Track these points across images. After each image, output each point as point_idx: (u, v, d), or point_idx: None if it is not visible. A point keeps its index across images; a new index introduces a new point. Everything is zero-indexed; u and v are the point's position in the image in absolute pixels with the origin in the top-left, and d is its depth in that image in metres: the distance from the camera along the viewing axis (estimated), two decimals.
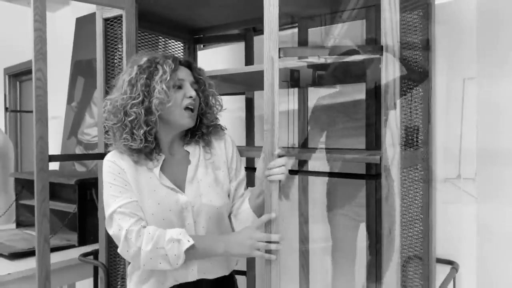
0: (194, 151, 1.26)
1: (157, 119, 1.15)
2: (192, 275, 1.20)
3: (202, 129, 1.27)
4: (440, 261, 1.53)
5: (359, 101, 1.77)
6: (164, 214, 1.16)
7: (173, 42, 1.98)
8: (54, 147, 3.13)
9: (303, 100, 1.80)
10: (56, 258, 1.85)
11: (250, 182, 1.50)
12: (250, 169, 1.71)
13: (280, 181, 1.11)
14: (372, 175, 1.55)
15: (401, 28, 1.11)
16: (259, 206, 1.20)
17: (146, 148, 1.16)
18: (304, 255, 1.85)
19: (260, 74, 1.45)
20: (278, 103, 1.10)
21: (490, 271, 1.52)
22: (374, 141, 1.62)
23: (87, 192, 2.14)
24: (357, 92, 1.78)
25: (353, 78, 1.53)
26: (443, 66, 1.58)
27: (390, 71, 1.06)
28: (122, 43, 1.60)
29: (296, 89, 1.84)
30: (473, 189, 1.55)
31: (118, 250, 1.14)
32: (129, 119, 1.13)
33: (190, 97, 1.18)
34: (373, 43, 1.60)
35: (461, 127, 1.58)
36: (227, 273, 1.27)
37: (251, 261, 2.00)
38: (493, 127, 1.50)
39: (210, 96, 1.27)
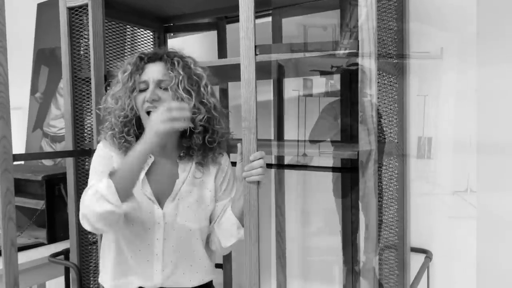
0: (185, 166, 1.19)
1: (128, 121, 1.13)
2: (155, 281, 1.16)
3: (196, 145, 1.16)
4: (414, 250, 1.56)
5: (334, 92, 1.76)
6: (136, 219, 1.13)
7: (142, 31, 1.91)
8: (18, 140, 3.00)
9: (277, 91, 1.78)
10: (24, 257, 1.78)
11: None
12: None
13: (259, 182, 1.10)
14: (348, 168, 1.55)
15: (377, 21, 1.10)
16: (240, 208, 1.16)
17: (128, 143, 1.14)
18: (280, 246, 1.85)
19: (234, 66, 1.42)
20: (255, 100, 1.08)
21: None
22: (349, 134, 1.62)
23: (55, 188, 2.05)
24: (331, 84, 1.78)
25: (329, 70, 1.51)
26: (444, 76, 1.58)
27: (367, 67, 1.04)
28: (88, 33, 1.53)
29: (271, 80, 1.82)
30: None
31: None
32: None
33: (148, 101, 1.10)
34: (348, 33, 1.59)
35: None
36: (196, 284, 1.21)
37: (227, 255, 1.98)
38: (492, 122, 1.51)
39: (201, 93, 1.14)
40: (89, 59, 1.52)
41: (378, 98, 1.16)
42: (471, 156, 1.52)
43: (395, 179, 1.47)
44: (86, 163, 1.59)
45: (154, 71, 1.12)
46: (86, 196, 1.03)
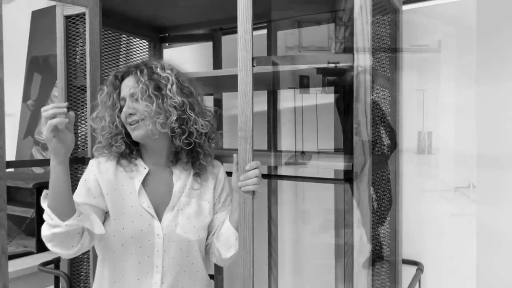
0: (180, 174, 1.20)
1: (114, 135, 1.17)
2: None
3: (178, 148, 1.17)
4: (405, 262, 1.57)
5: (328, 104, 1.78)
6: (134, 232, 1.13)
7: (137, 40, 1.92)
8: (9, 148, 2.97)
9: (272, 102, 1.79)
10: (13, 266, 1.76)
11: None
12: None
13: (254, 192, 1.10)
14: (341, 179, 1.56)
15: (372, 35, 1.12)
16: (237, 219, 1.15)
17: (127, 154, 1.18)
18: (272, 256, 1.85)
19: (230, 77, 1.43)
20: (252, 111, 1.09)
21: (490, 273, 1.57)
22: (342, 144, 1.64)
23: None
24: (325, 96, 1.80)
25: (323, 82, 1.53)
26: (443, 70, 1.60)
27: (361, 80, 1.06)
28: (84, 42, 1.53)
29: (265, 91, 1.83)
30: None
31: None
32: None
33: (126, 115, 1.14)
34: (342, 47, 1.61)
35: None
36: None
37: (219, 266, 1.97)
38: (493, 131, 1.53)
39: (178, 97, 1.13)
40: (85, 67, 1.53)
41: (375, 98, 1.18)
42: (472, 153, 1.53)
43: (388, 191, 1.49)
44: (79, 171, 1.58)
45: (127, 86, 1.16)
46: None
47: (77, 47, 1.58)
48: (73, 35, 1.56)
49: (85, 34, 1.50)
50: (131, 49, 1.93)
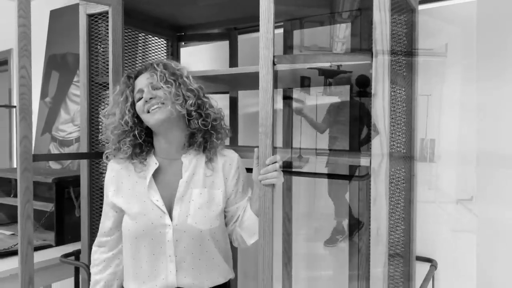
0: (189, 164, 1.23)
1: (124, 132, 1.22)
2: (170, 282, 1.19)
3: (197, 134, 1.22)
4: (419, 259, 1.58)
5: (343, 103, 1.81)
6: (145, 225, 1.18)
7: (155, 39, 1.96)
8: None
9: (287, 101, 1.82)
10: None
11: None
12: None
13: (274, 185, 1.14)
14: (357, 176, 1.59)
15: (390, 33, 1.14)
16: (258, 209, 1.21)
17: (136, 154, 1.23)
18: (287, 253, 1.88)
19: (247, 75, 1.46)
20: (272, 107, 1.12)
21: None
22: (358, 143, 1.66)
23: (64, 191, 2.08)
24: (340, 94, 1.82)
25: (339, 81, 1.56)
26: (449, 75, 1.61)
27: (380, 77, 1.09)
28: (106, 40, 1.58)
29: (280, 90, 1.86)
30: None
31: None
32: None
33: (146, 100, 1.18)
34: (358, 46, 1.64)
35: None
36: (211, 285, 1.24)
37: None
38: (493, 130, 1.55)
39: (186, 88, 1.20)
40: (106, 64, 1.57)
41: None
42: (474, 163, 1.55)
43: (402, 188, 1.51)
44: (100, 166, 1.63)
45: (144, 79, 1.22)
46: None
47: (99, 45, 1.62)
48: (95, 33, 1.61)
49: (107, 32, 1.54)
50: (148, 47, 1.97)
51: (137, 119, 1.22)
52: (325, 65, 1.21)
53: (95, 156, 1.54)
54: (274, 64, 1.12)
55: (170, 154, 1.24)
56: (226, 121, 1.99)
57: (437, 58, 1.61)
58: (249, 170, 1.36)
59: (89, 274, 1.56)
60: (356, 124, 1.66)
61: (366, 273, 1.68)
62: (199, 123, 1.20)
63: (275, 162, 1.14)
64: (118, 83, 1.27)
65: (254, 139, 2.05)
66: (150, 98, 1.18)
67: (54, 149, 2.76)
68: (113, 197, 1.23)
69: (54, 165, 2.76)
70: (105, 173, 1.29)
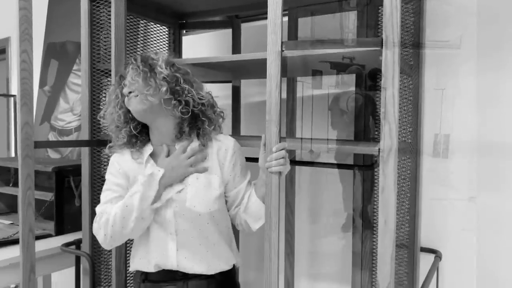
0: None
1: (121, 128, 1.26)
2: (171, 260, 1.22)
3: (183, 122, 1.24)
4: (423, 250, 1.58)
5: (347, 92, 1.79)
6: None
7: (157, 27, 1.93)
8: None
9: (292, 90, 1.80)
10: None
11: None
12: None
13: (280, 172, 1.12)
14: (362, 165, 1.57)
15: (401, 20, 1.12)
16: (264, 195, 1.21)
17: (134, 145, 1.28)
18: (289, 243, 1.87)
19: (251, 63, 1.44)
20: (280, 94, 1.10)
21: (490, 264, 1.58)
22: (363, 132, 1.64)
23: (64, 180, 2.06)
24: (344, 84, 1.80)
25: (343, 70, 1.53)
26: (464, 68, 1.58)
27: (390, 64, 1.06)
28: (107, 27, 1.55)
29: (284, 78, 1.84)
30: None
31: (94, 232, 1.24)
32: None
33: (126, 95, 1.22)
34: (364, 34, 1.62)
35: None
36: (213, 272, 1.25)
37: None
38: (493, 121, 1.54)
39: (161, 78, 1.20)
40: (108, 51, 1.54)
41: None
42: (487, 158, 1.53)
43: (408, 178, 1.50)
44: (101, 154, 1.61)
45: (128, 75, 1.25)
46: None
47: (100, 31, 1.59)
48: (96, 19, 1.58)
49: (109, 18, 1.51)
50: (149, 35, 1.94)
51: (131, 114, 1.25)
52: (337, 52, 1.17)
53: (96, 144, 1.52)
54: (282, 50, 1.10)
55: (167, 141, 1.26)
56: (228, 110, 1.99)
57: (450, 50, 1.58)
58: (252, 159, 1.35)
59: (91, 263, 1.55)
60: (361, 114, 1.64)
61: (370, 263, 1.67)
62: (179, 111, 1.21)
63: (282, 150, 1.12)
64: (119, 73, 1.30)
65: (256, 128, 2.04)
66: (129, 92, 1.21)
67: (53, 138, 2.73)
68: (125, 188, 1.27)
69: (53, 154, 2.74)
70: (106, 161, 1.33)
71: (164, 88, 1.18)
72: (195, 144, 1.25)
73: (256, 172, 1.26)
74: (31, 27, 1.23)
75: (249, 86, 2.04)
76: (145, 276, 1.27)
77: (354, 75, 1.66)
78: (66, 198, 2.06)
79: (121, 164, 1.28)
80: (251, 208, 1.25)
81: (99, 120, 1.60)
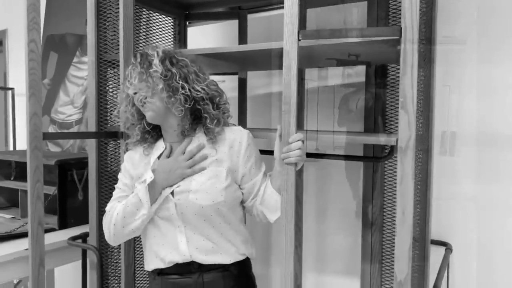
0: (193, 144, 1.25)
1: (140, 120, 1.27)
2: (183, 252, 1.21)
3: (185, 119, 1.24)
4: (434, 242, 1.57)
5: (356, 92, 1.78)
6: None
7: (163, 17, 1.89)
8: (23, 126, 2.97)
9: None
10: None
11: None
12: None
13: (296, 164, 1.11)
14: (373, 157, 1.56)
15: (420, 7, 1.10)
16: (279, 187, 1.20)
17: (146, 140, 1.29)
18: (297, 235, 1.85)
19: (258, 55, 1.42)
20: (296, 84, 1.09)
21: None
22: (373, 124, 1.63)
23: (67, 173, 2.03)
24: (353, 75, 1.79)
25: (353, 61, 1.52)
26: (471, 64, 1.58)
27: (409, 53, 1.05)
28: (112, 17, 1.52)
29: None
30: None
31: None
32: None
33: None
34: (375, 25, 1.60)
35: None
36: (227, 262, 1.24)
37: None
38: (493, 111, 1.54)
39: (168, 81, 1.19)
40: (114, 42, 1.52)
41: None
42: (495, 153, 1.53)
43: (419, 170, 1.49)
44: (108, 146, 1.58)
45: (137, 72, 1.22)
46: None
47: (107, 22, 1.56)
48: (102, 10, 1.55)
49: (116, 8, 1.49)
50: (153, 26, 1.90)
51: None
52: (355, 41, 1.15)
53: (105, 136, 1.49)
54: (299, 39, 1.08)
55: (175, 140, 1.28)
56: (235, 102, 1.97)
57: (457, 45, 1.58)
58: (264, 152, 1.34)
59: (99, 257, 1.53)
60: (371, 109, 1.63)
61: (379, 256, 1.66)
62: (175, 110, 1.20)
63: (299, 140, 1.11)
64: (128, 63, 1.31)
65: (262, 120, 2.02)
66: (134, 93, 1.22)
67: (53, 131, 2.70)
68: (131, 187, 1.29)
69: (53, 147, 2.70)
70: (112, 154, 1.35)
71: (159, 87, 1.18)
72: (201, 139, 1.25)
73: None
74: (39, 16, 1.20)
75: (255, 78, 2.02)
76: (160, 271, 1.26)
77: (364, 68, 1.65)
78: (69, 191, 2.04)
79: (129, 163, 1.30)
80: (268, 200, 1.24)
81: (106, 112, 1.57)
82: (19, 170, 2.26)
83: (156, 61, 1.19)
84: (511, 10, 1.50)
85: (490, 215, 1.56)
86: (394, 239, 1.64)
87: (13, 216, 2.16)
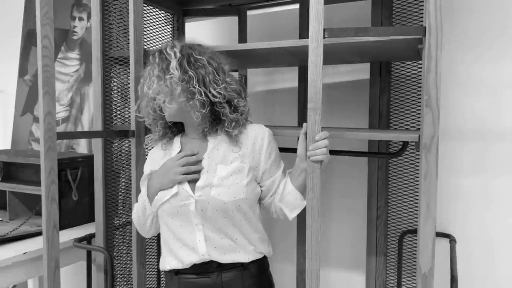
0: (214, 140, 1.26)
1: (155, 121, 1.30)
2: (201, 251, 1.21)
3: (205, 121, 1.24)
4: (437, 234, 1.62)
5: (360, 81, 1.80)
6: (169, 196, 1.22)
7: (162, 13, 1.85)
8: (4, 124, 2.85)
9: (304, 78, 1.79)
10: (31, 245, 1.70)
11: None
12: None
13: (321, 162, 1.12)
14: (387, 153, 1.60)
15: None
16: (301, 184, 1.22)
17: (166, 135, 1.32)
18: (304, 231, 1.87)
19: (259, 53, 1.41)
20: (321, 82, 1.09)
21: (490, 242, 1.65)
22: (378, 120, 1.66)
23: (61, 173, 1.96)
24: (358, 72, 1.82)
25: (361, 58, 1.54)
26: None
27: (433, 51, 1.08)
28: (117, 14, 1.48)
29: (296, 68, 1.83)
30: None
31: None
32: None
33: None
34: (379, 24, 1.63)
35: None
36: (245, 260, 1.24)
37: None
38: (493, 107, 1.60)
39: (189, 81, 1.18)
40: (119, 38, 1.48)
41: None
42: (497, 143, 1.60)
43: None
44: (113, 145, 1.54)
45: (155, 68, 1.23)
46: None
47: (112, 17, 1.51)
48: (107, 4, 1.50)
49: (122, 3, 1.45)
50: (148, 20, 1.86)
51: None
52: (378, 40, 1.16)
53: (116, 135, 1.45)
54: (324, 37, 1.09)
55: (197, 136, 1.28)
56: None
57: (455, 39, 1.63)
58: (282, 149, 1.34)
59: (110, 259, 1.49)
60: (376, 103, 1.66)
61: (384, 249, 1.70)
62: (194, 114, 1.21)
63: (325, 139, 1.12)
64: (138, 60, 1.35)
65: (262, 118, 2.02)
66: (153, 98, 1.23)
67: (37, 130, 2.60)
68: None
69: (37, 147, 2.60)
70: (117, 153, 1.40)
71: (177, 92, 1.18)
72: (224, 139, 1.25)
73: None
74: (52, 10, 1.15)
75: (255, 75, 2.02)
76: (177, 271, 1.25)
77: (368, 65, 1.68)
78: (63, 192, 1.97)
79: (150, 160, 1.33)
80: (287, 198, 1.25)
81: (111, 110, 1.53)
82: (7, 171, 2.16)
83: (173, 63, 1.17)
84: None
85: (491, 208, 1.63)
86: (398, 233, 1.69)
87: (0, 219, 2.07)
